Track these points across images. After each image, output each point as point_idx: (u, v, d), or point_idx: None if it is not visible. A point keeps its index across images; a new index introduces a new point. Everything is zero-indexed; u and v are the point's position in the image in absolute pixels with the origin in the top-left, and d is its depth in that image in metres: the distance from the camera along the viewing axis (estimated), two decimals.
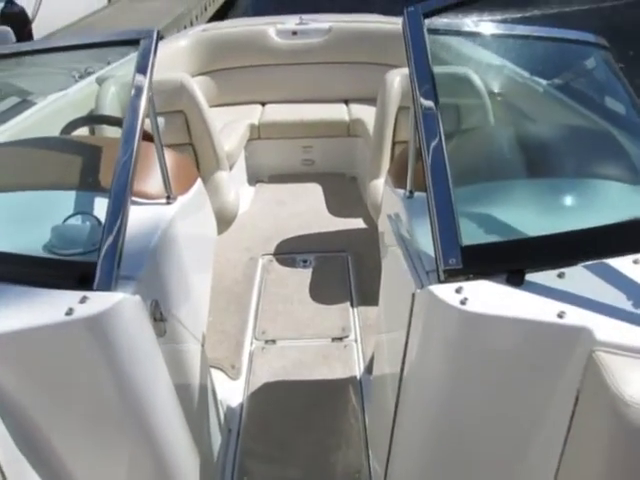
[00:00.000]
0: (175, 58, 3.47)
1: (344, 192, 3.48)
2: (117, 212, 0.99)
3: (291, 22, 3.83)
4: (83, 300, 0.89)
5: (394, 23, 3.83)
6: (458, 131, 1.69)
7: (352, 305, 2.41)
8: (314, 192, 3.47)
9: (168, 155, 1.44)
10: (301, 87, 3.79)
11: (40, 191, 1.26)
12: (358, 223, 3.07)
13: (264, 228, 3.03)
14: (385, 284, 1.39)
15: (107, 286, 0.91)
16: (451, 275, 0.89)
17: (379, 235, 1.68)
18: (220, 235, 2.40)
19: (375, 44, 3.69)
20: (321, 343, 2.20)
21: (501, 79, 2.35)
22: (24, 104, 2.28)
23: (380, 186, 2.51)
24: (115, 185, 1.05)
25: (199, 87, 3.69)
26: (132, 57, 3.84)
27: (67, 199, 1.22)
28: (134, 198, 1.21)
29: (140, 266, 1.02)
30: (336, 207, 3.28)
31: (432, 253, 0.94)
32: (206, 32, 3.75)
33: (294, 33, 3.73)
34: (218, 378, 1.96)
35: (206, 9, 12.00)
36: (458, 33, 1.38)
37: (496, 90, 2.25)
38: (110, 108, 2.44)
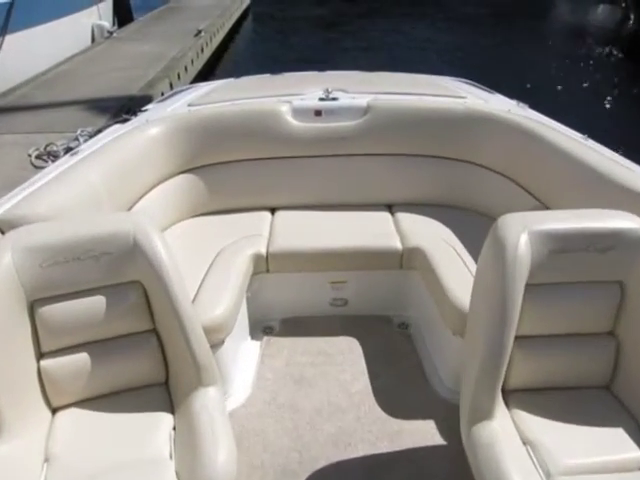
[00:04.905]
0: (148, 153, 2.50)
1: (395, 352, 2.46)
2: None
3: (313, 95, 2.89)
4: None
5: (459, 96, 2.88)
6: None
7: None
8: (350, 354, 2.44)
9: None
10: (326, 187, 2.82)
11: None
12: (427, 431, 2.02)
13: (276, 447, 1.97)
14: None
15: None
16: None
17: None
18: None
19: (433, 129, 2.73)
20: None
21: None
22: None
23: (496, 435, 1.45)
24: None
25: (182, 189, 2.73)
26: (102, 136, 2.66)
27: None
28: None
29: None
30: (388, 386, 2.25)
31: None
32: (193, 110, 2.80)
33: (317, 113, 2.77)
34: None
35: (202, 50, 11.31)
36: None
37: None
38: None
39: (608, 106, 8.71)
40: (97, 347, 1.61)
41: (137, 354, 1.65)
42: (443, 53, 11.96)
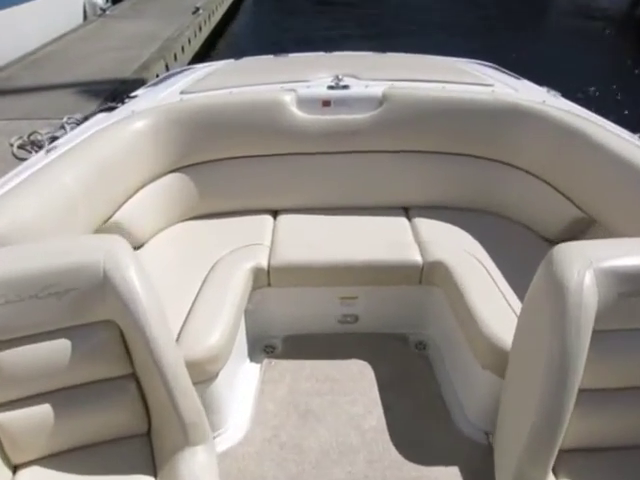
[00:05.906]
0: (133, 150, 2.22)
1: (412, 377, 2.21)
2: None
3: (320, 82, 2.59)
4: None
5: (485, 84, 2.59)
6: None
7: None
8: (361, 380, 2.19)
9: None
10: (335, 188, 2.54)
11: None
12: (450, 478, 1.78)
13: None
14: None
15: None
16: None
17: None
18: None
19: (458, 122, 2.44)
20: None
21: None
22: None
23: None
24: None
25: (172, 190, 2.46)
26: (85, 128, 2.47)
27: None
28: None
29: None
30: (404, 421, 2.01)
31: None
32: (185, 99, 2.51)
33: (326, 104, 2.48)
34: None
35: (200, 29, 10.91)
36: None
37: None
38: None
39: (622, 92, 8.36)
40: (63, 396, 1.36)
41: (113, 402, 1.40)
42: (450, 34, 11.54)
